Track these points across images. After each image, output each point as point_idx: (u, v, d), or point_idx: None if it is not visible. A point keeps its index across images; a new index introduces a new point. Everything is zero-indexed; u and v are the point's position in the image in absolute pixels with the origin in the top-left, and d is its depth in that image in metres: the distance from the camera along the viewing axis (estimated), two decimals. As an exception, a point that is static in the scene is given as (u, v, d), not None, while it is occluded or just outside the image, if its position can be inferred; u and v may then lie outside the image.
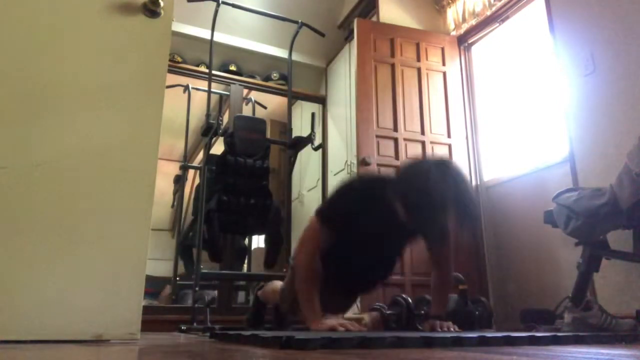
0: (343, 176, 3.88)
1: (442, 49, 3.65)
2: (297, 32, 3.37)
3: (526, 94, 3.24)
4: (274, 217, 2.99)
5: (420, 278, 3.08)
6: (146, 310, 1.59)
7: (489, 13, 3.43)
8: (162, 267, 4.71)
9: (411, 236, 1.81)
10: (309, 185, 4.66)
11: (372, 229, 1.68)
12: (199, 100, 4.29)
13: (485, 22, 3.48)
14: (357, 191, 1.72)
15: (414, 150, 3.34)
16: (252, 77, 4.48)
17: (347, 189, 1.75)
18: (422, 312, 2.35)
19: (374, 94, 3.37)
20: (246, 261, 4.02)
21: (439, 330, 1.67)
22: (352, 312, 3.12)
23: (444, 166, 1.54)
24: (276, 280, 2.41)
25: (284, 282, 2.07)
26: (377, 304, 2.48)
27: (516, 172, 3.14)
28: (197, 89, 4.16)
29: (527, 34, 3.27)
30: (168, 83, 1.74)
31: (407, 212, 1.53)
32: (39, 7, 1.50)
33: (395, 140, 3.33)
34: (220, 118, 2.93)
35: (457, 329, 1.71)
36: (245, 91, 4.35)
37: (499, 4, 3.34)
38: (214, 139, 3.05)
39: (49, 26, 1.51)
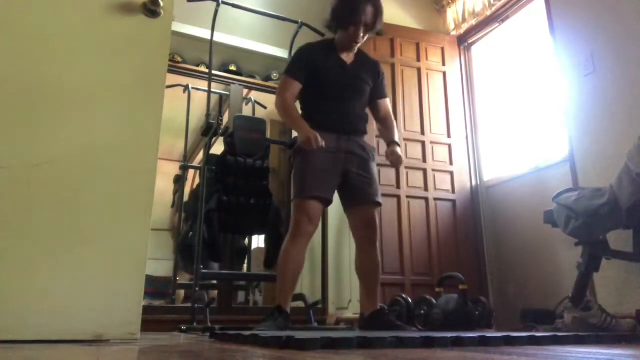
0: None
1: (442, 49, 3.65)
2: (297, 32, 3.36)
3: (526, 94, 3.24)
4: (274, 217, 2.99)
5: (420, 278, 3.08)
6: (146, 310, 1.58)
7: (489, 13, 3.43)
8: (162, 267, 4.71)
9: (362, 81, 2.28)
10: (309, 185, 4.64)
11: (332, 73, 2.22)
12: (199, 100, 4.28)
13: (485, 22, 3.48)
14: (311, 47, 2.30)
15: (414, 150, 3.34)
16: (252, 77, 4.48)
17: (302, 48, 2.31)
18: (422, 312, 2.35)
19: (374, 94, 3.36)
20: (246, 261, 4.02)
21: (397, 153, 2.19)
22: (352, 312, 3.12)
23: None
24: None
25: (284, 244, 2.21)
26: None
27: (516, 172, 3.14)
28: (197, 89, 4.16)
29: (527, 34, 3.27)
30: (168, 83, 1.74)
31: (341, 34, 2.23)
32: (39, 7, 1.50)
33: (395, 140, 3.32)
34: (220, 118, 2.93)
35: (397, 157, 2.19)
36: (245, 91, 4.35)
37: (499, 4, 3.34)
38: (214, 139, 3.05)
39: (48, 26, 1.51)
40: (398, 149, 2.22)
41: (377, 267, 2.16)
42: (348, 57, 2.29)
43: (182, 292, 4.49)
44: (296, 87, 2.21)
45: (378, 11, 2.18)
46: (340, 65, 2.25)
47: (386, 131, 2.34)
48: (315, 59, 2.23)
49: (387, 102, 2.39)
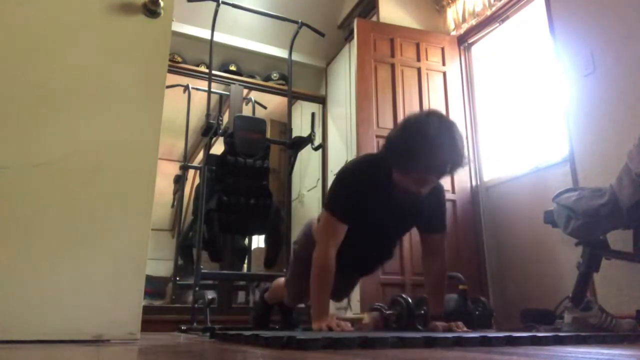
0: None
1: (442, 49, 3.65)
2: (297, 32, 3.37)
3: (526, 94, 3.24)
4: (274, 217, 2.99)
5: (421, 278, 3.07)
6: (146, 310, 1.58)
7: (489, 13, 3.43)
8: (162, 267, 4.71)
9: (412, 218, 1.82)
10: (309, 185, 4.66)
11: (378, 214, 1.71)
12: (199, 100, 4.29)
13: (485, 22, 3.48)
14: (360, 179, 1.71)
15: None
16: (252, 77, 4.48)
17: (351, 179, 1.73)
18: (422, 312, 2.35)
19: (374, 94, 3.37)
20: (246, 261, 4.02)
21: (456, 330, 1.65)
22: (352, 312, 3.12)
23: (433, 122, 1.56)
24: (280, 278, 2.41)
25: (287, 273, 2.07)
26: (377, 304, 2.48)
27: (516, 172, 3.14)
28: (197, 89, 4.16)
29: (527, 34, 3.27)
30: (168, 83, 1.74)
31: (402, 176, 1.59)
32: (39, 7, 1.50)
33: (395, 140, 3.32)
34: (220, 118, 2.93)
35: (466, 328, 1.70)
36: (245, 91, 4.35)
37: (499, 4, 3.34)
38: (214, 139, 3.05)
39: (48, 26, 1.50)
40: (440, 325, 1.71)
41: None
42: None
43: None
44: (342, 231, 1.70)
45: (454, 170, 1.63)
46: (389, 202, 1.71)
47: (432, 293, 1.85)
48: (361, 198, 1.70)
49: (442, 237, 1.84)
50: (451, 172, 1.63)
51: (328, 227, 1.70)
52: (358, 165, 1.79)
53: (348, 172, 1.77)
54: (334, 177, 1.79)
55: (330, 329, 1.51)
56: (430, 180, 1.62)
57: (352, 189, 1.70)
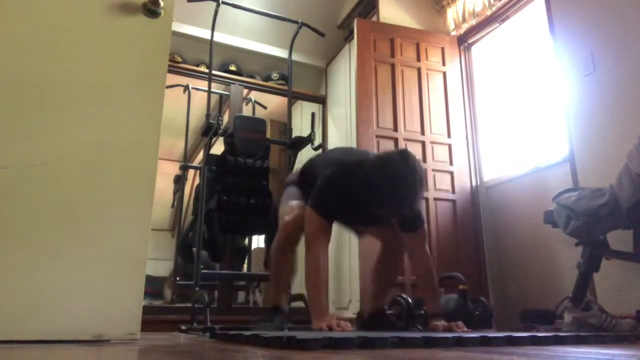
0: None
1: (442, 49, 3.65)
2: (297, 32, 3.37)
3: (526, 94, 3.24)
4: (274, 217, 2.99)
5: (420, 278, 3.07)
6: (146, 310, 1.58)
7: (489, 13, 3.43)
8: (162, 267, 4.71)
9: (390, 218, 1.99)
10: (308, 185, 4.64)
11: (362, 214, 1.94)
12: (199, 100, 4.28)
13: (485, 22, 3.48)
14: (343, 184, 1.86)
15: (414, 150, 3.33)
16: (252, 77, 4.48)
17: (339, 183, 1.88)
18: (422, 312, 2.35)
19: (374, 94, 3.37)
20: (246, 261, 4.02)
21: (457, 330, 1.74)
22: (352, 312, 3.12)
23: (402, 161, 1.73)
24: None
25: (273, 245, 2.16)
26: (377, 304, 2.47)
27: (516, 172, 3.14)
28: (197, 89, 4.16)
29: (527, 34, 3.27)
30: (168, 83, 1.74)
31: (377, 205, 1.76)
32: (39, 6, 1.50)
33: (396, 140, 3.33)
34: (220, 118, 2.93)
35: (466, 328, 1.77)
36: (245, 91, 4.35)
37: (499, 4, 3.34)
38: (214, 139, 3.05)
39: (48, 26, 1.50)
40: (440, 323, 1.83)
41: (397, 272, 2.16)
42: None
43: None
44: (330, 229, 1.91)
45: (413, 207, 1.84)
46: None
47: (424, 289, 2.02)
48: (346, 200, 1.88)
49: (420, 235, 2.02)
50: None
51: (318, 227, 1.85)
52: (345, 172, 1.90)
53: (337, 177, 1.90)
54: (322, 177, 1.91)
55: (330, 328, 1.58)
56: (396, 215, 1.87)
57: (339, 192, 1.85)
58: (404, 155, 1.75)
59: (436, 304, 1.95)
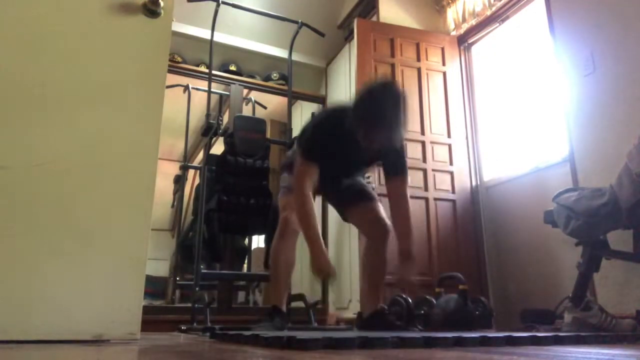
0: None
1: (442, 49, 3.65)
2: (297, 32, 3.37)
3: (526, 94, 3.24)
4: (274, 217, 2.99)
5: (420, 278, 3.08)
6: (146, 310, 1.58)
7: (489, 13, 3.43)
8: (162, 267, 4.71)
9: (375, 159, 2.13)
10: (308, 185, 4.64)
11: (346, 156, 2.02)
12: (199, 100, 4.28)
13: (485, 22, 3.48)
14: (326, 126, 1.99)
15: (414, 150, 3.34)
16: (252, 77, 4.48)
17: (318, 126, 2.03)
18: (422, 312, 2.35)
19: (374, 94, 3.36)
20: (246, 261, 4.02)
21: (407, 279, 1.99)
22: (352, 312, 3.12)
23: (385, 90, 1.84)
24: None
25: (272, 243, 2.21)
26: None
27: (516, 172, 3.14)
28: (197, 89, 4.16)
29: (527, 34, 3.27)
30: (168, 83, 1.74)
31: (362, 134, 1.83)
32: (39, 6, 1.50)
33: (395, 140, 3.32)
34: (220, 118, 2.94)
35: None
36: (245, 91, 4.35)
37: (499, 4, 3.34)
38: (214, 139, 3.05)
39: (48, 26, 1.50)
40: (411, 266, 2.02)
41: (384, 264, 2.16)
42: None
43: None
44: (315, 170, 1.97)
45: (398, 135, 1.84)
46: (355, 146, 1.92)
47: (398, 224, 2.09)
48: (330, 142, 1.97)
49: (403, 180, 2.11)
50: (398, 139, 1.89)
51: (302, 168, 1.97)
52: (331, 114, 2.07)
53: (322, 120, 2.07)
54: (309, 122, 2.07)
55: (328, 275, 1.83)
56: (380, 144, 1.89)
57: (324, 136, 1.97)
58: (386, 82, 1.88)
59: (407, 243, 2.03)
